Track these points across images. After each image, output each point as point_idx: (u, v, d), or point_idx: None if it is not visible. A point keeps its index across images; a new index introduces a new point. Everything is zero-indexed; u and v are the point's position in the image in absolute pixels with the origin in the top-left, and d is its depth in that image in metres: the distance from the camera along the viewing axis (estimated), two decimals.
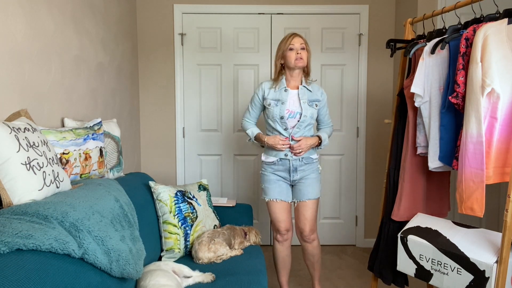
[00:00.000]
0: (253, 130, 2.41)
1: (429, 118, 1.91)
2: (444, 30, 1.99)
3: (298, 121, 2.28)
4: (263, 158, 2.39)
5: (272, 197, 2.34)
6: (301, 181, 2.35)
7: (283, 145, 2.26)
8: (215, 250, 2.11)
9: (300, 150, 2.27)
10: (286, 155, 2.30)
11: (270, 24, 3.42)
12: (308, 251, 2.45)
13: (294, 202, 2.40)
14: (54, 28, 1.95)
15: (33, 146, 1.37)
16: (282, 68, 2.34)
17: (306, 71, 2.35)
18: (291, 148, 2.28)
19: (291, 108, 2.28)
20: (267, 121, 2.36)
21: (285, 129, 2.29)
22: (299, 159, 2.31)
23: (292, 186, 2.39)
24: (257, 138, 2.38)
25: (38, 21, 1.80)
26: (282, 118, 2.27)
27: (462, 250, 1.66)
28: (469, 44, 1.68)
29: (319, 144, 2.37)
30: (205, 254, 2.08)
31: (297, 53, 2.24)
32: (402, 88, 2.22)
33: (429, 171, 2.09)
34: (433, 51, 1.86)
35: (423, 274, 1.82)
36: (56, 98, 1.97)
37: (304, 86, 2.32)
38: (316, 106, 2.33)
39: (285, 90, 2.30)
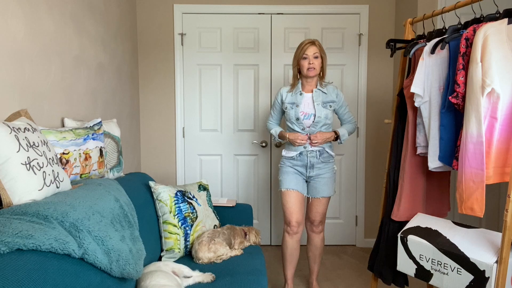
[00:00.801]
0: (276, 130, 2.64)
1: (429, 118, 1.91)
2: (444, 30, 1.99)
3: (313, 121, 2.44)
4: (283, 153, 2.57)
5: (288, 187, 2.48)
6: (316, 179, 2.51)
7: (302, 140, 2.41)
8: (215, 250, 2.11)
9: (316, 141, 2.41)
10: (305, 147, 2.46)
11: (270, 24, 3.42)
12: (314, 242, 2.63)
13: (308, 198, 2.57)
14: (54, 28, 1.95)
15: (33, 146, 1.37)
16: (298, 73, 2.50)
17: (321, 75, 2.50)
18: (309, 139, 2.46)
19: (305, 110, 2.46)
20: (286, 123, 2.57)
21: (303, 129, 2.47)
22: (317, 157, 2.46)
23: (307, 182, 2.54)
24: (280, 135, 2.59)
25: (38, 21, 1.80)
26: (298, 119, 2.46)
27: (462, 250, 1.66)
28: (469, 44, 1.68)
29: (336, 138, 2.51)
30: (205, 254, 2.09)
31: (310, 63, 2.39)
32: (402, 88, 2.22)
33: (429, 171, 2.09)
34: (433, 51, 1.86)
35: (423, 274, 1.82)
36: (56, 98, 1.97)
37: (319, 89, 2.47)
38: (331, 107, 2.48)
39: (300, 94, 2.48)
